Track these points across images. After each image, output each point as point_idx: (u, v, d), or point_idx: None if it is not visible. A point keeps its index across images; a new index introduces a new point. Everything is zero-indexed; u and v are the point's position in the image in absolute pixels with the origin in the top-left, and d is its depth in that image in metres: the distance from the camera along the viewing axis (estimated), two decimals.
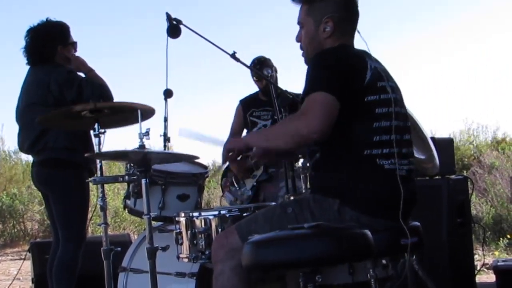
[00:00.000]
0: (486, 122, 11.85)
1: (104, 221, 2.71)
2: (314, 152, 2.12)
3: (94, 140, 2.70)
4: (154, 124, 3.47)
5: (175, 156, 2.55)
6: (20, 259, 7.16)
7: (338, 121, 1.94)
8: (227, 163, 3.52)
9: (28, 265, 4.70)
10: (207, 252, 2.45)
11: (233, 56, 3.07)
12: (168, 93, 3.59)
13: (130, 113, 2.70)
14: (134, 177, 2.64)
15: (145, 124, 2.52)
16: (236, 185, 3.95)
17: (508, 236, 6.10)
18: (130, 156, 2.54)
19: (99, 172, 2.74)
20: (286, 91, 3.56)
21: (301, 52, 2.27)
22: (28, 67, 3.37)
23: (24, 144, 3.31)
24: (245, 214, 2.41)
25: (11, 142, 12.03)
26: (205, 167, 3.43)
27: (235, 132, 4.22)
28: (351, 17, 2.19)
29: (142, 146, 2.42)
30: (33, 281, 3.99)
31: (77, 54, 3.40)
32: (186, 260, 2.56)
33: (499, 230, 6.55)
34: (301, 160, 3.14)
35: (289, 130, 2.00)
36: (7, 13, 14.25)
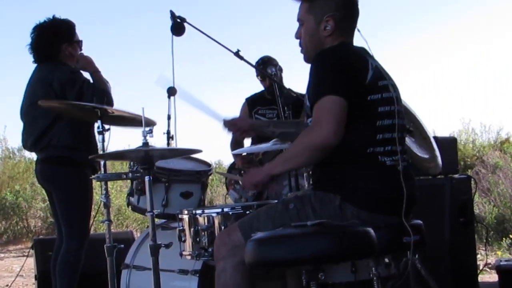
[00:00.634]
0: (490, 122, 11.87)
1: (107, 218, 2.72)
2: None
3: (98, 137, 2.71)
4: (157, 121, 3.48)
5: (177, 152, 2.56)
6: (23, 256, 7.19)
7: None
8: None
9: (31, 262, 4.72)
10: (209, 250, 2.46)
11: (237, 54, 3.06)
12: (171, 91, 3.59)
13: (132, 120, 2.72)
14: (138, 175, 2.65)
15: None
16: (240, 183, 3.95)
17: (511, 236, 6.08)
18: (132, 155, 2.54)
19: (102, 170, 2.75)
20: (290, 90, 3.57)
21: (299, 49, 2.27)
22: (35, 65, 3.37)
23: (28, 142, 3.32)
24: (248, 212, 2.42)
25: (14, 139, 12.06)
26: (208, 164, 3.43)
27: None
28: (351, 16, 2.20)
29: (145, 144, 2.43)
30: (36, 278, 3.99)
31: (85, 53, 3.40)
32: (189, 257, 2.57)
33: (502, 230, 6.53)
34: None
35: (306, 145, 2.01)
36: (8, 14, 14.29)
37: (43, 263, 3.89)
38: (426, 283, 2.99)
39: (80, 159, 3.18)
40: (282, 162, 2.11)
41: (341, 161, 2.04)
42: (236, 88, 13.90)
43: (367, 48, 2.20)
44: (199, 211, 2.56)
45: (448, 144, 3.69)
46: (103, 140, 2.71)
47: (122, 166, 9.42)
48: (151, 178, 2.47)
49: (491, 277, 4.60)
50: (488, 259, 4.70)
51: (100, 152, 2.77)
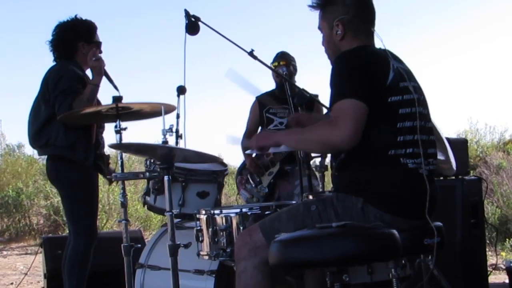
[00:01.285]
0: (495, 123, 11.87)
1: (124, 218, 2.72)
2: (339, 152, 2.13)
3: (116, 137, 2.70)
4: (166, 120, 3.48)
5: (199, 156, 2.54)
6: (26, 254, 7.18)
7: None
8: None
9: (33, 259, 4.71)
10: (228, 250, 2.45)
11: (251, 54, 3.05)
12: (181, 90, 3.58)
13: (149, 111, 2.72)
14: (155, 174, 2.64)
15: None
16: (252, 183, 3.95)
17: None
18: (154, 150, 2.52)
19: (120, 169, 2.74)
20: (303, 89, 3.56)
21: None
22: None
23: (28, 137, 3.34)
24: (266, 213, 2.42)
25: (13, 136, 12.02)
26: (224, 164, 3.42)
27: (250, 128, 4.19)
28: (364, 16, 2.20)
29: (165, 142, 2.42)
30: (45, 276, 3.98)
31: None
32: (206, 257, 2.56)
33: (505, 231, 6.55)
34: (318, 159, 3.15)
35: (321, 138, 2.00)
36: (8, 14, 14.24)
37: (52, 261, 3.89)
38: (439, 283, 3.01)
39: (78, 159, 3.17)
40: (294, 140, 2.14)
41: (363, 163, 2.04)
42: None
43: (383, 46, 2.17)
44: (217, 211, 2.55)
45: (459, 146, 3.69)
46: (121, 140, 2.69)
47: (128, 168, 9.37)
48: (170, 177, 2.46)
49: (497, 277, 4.62)
50: (492, 260, 4.71)
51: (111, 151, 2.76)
